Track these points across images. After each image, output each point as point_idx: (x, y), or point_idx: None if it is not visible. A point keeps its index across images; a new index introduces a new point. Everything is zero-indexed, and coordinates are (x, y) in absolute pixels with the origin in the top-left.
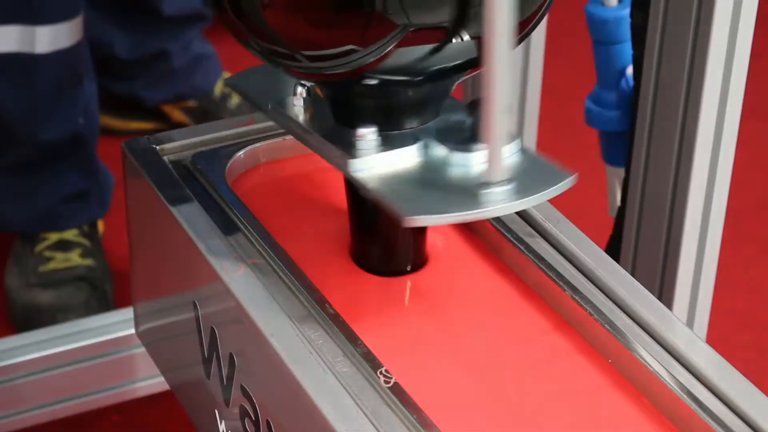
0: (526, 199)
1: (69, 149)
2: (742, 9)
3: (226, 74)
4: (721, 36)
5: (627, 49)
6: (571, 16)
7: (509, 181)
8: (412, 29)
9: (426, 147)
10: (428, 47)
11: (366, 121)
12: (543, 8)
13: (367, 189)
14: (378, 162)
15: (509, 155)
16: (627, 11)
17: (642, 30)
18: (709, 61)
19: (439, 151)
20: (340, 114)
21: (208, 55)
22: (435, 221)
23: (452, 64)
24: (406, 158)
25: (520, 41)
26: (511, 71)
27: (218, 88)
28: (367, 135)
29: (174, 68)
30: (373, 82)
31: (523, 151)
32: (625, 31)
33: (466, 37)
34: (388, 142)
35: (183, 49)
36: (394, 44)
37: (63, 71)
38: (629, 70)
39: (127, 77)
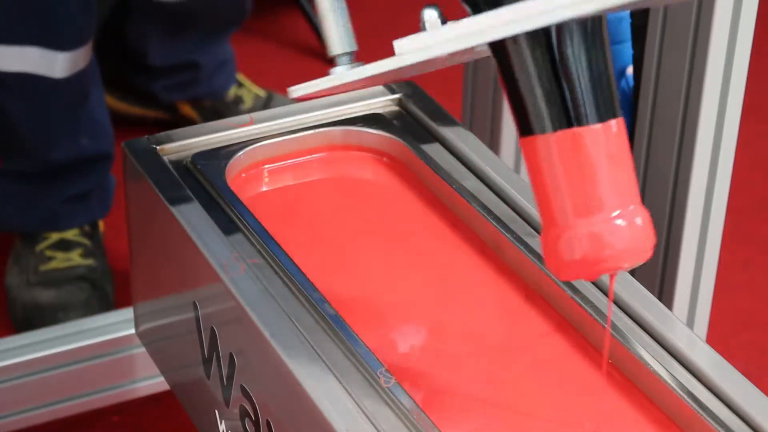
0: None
1: (78, 167)
2: (742, 9)
3: (239, 76)
4: (721, 36)
5: (627, 49)
6: None
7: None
8: None
9: None
10: None
11: None
12: None
13: None
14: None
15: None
16: (627, 11)
17: (642, 30)
18: (709, 61)
19: None
20: None
21: (229, 59)
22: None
23: None
24: None
25: None
26: None
27: (232, 90)
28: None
29: (199, 78)
30: None
31: None
32: (625, 31)
33: None
34: None
35: (211, 59)
36: None
37: (77, 92)
38: (629, 70)
39: (150, 79)
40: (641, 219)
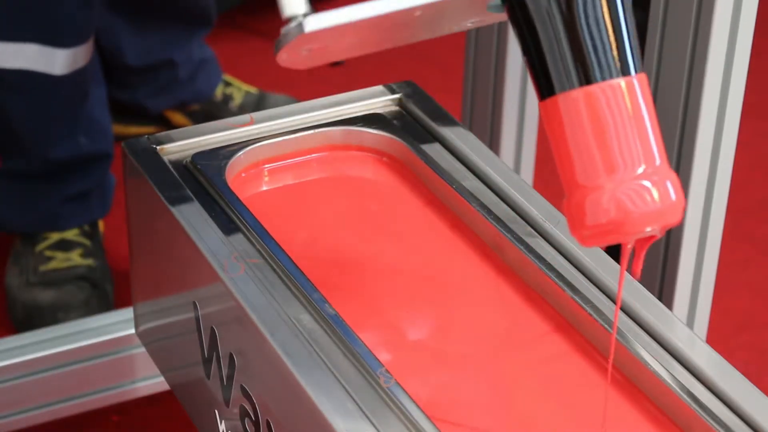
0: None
1: (77, 167)
2: (742, 9)
3: (226, 76)
4: (721, 36)
5: None
6: None
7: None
8: None
9: None
10: None
11: None
12: None
13: None
14: None
15: None
16: None
17: (642, 30)
18: (709, 61)
19: None
20: None
21: (209, 59)
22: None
23: None
24: None
25: None
26: None
27: (219, 90)
28: None
29: (178, 77)
30: None
31: None
32: None
33: None
34: None
35: (187, 57)
36: None
37: (76, 90)
38: None
39: (132, 85)
40: (670, 179)
